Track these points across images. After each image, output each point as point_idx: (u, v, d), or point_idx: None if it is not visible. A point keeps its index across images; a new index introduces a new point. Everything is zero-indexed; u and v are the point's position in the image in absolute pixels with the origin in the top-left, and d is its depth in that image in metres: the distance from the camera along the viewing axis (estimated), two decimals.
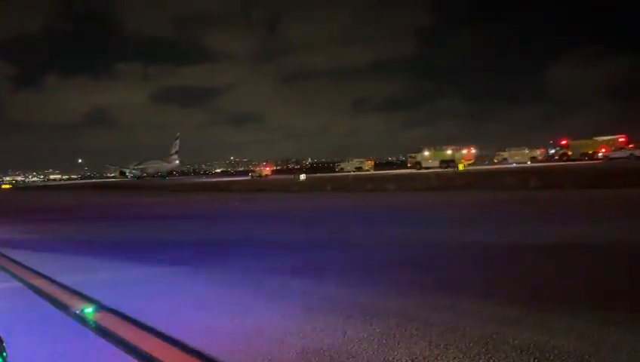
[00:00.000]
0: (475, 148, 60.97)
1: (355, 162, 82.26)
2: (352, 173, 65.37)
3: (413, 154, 63.07)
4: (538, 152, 70.43)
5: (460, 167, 53.43)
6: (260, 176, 77.74)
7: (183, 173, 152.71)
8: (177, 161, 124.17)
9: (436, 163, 56.69)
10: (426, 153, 59.37)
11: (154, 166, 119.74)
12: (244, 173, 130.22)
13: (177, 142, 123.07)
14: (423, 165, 57.71)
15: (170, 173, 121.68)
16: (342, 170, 76.99)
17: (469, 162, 57.05)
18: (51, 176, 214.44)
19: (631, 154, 54.04)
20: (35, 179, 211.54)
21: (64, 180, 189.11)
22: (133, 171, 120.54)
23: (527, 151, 70.11)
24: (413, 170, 55.01)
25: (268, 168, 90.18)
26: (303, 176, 52.40)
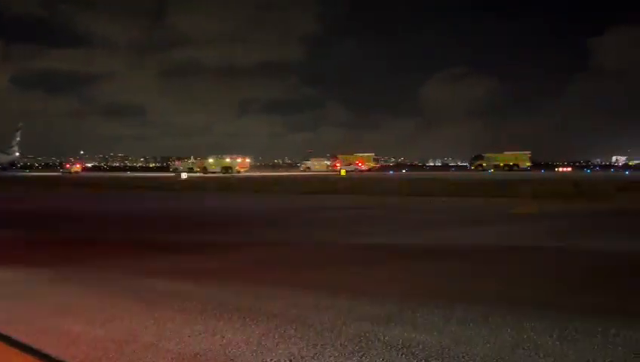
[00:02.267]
0: (249, 158, 75.18)
1: (189, 163, 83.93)
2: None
3: (200, 160, 71.90)
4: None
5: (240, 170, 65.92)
6: (70, 173, 77.88)
7: (47, 167, 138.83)
8: (17, 153, 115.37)
9: (219, 168, 66.45)
10: (211, 160, 68.94)
11: None
12: (115, 168, 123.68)
13: (19, 133, 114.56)
14: (209, 170, 66.45)
15: (12, 164, 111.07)
16: (175, 170, 76.95)
17: (245, 169, 68.40)
18: None
19: (355, 169, 70.30)
20: None
21: None
22: None
23: (325, 162, 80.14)
24: (202, 174, 63.96)
25: (78, 165, 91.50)
26: (184, 175, 50.85)
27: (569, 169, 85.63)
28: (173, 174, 58.51)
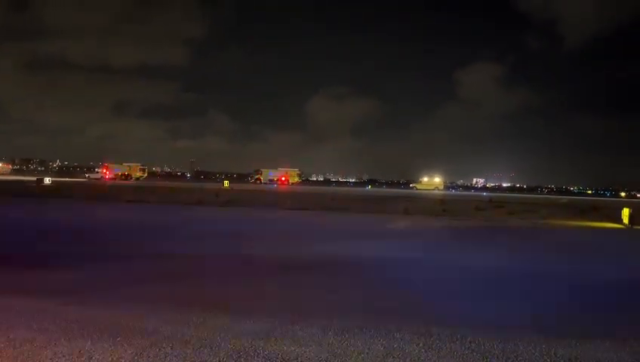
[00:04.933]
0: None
1: None
2: None
3: None
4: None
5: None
6: None
7: None
8: None
9: None
10: None
11: None
12: None
13: None
14: None
15: None
16: None
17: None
18: None
19: (101, 177, 74.98)
20: None
21: None
22: None
23: (97, 169, 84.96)
24: None
25: None
26: (48, 180, 46.41)
27: None
28: None
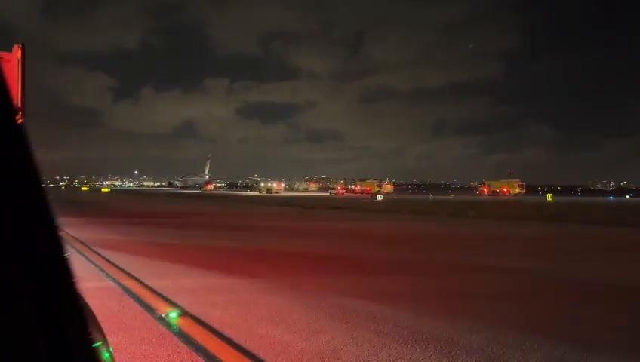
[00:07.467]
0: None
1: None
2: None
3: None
4: None
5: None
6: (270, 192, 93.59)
7: (245, 187, 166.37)
8: (207, 176, 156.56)
9: None
10: None
11: (192, 179, 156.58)
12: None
13: (209, 161, 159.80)
14: None
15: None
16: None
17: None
18: (145, 183, 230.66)
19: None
20: (130, 184, 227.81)
21: (155, 187, 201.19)
22: (179, 182, 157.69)
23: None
24: None
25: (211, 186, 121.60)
26: (380, 197, 52.62)
27: None
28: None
